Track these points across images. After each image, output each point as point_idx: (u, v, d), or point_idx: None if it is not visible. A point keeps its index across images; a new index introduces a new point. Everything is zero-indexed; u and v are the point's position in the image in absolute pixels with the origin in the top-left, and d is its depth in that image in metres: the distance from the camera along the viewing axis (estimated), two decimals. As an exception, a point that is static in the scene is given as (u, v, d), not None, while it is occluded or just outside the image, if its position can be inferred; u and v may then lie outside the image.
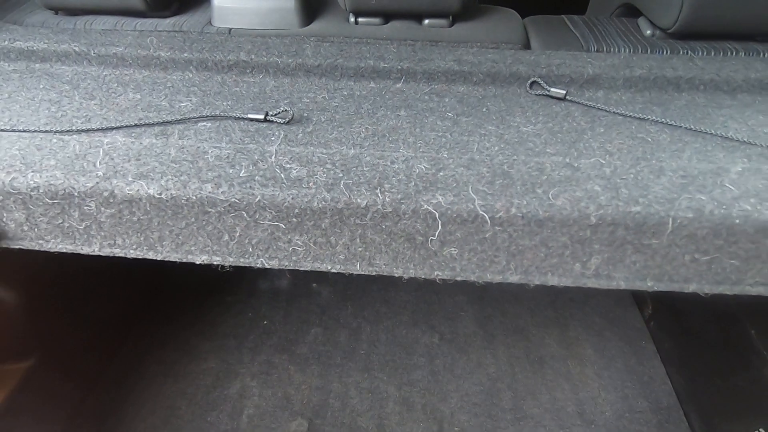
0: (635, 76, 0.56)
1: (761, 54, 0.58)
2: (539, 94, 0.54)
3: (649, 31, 0.68)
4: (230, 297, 1.31)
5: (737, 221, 0.36)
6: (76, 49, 0.60)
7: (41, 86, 0.55)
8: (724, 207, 0.35)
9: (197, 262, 0.45)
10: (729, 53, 0.58)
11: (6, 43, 0.60)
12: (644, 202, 0.36)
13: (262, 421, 1.06)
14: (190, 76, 0.58)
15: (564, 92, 0.53)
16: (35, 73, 0.58)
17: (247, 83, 0.57)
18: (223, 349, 1.19)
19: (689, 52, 0.58)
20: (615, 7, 0.75)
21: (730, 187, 0.37)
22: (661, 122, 0.48)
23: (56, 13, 0.69)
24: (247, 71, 0.58)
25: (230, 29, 0.65)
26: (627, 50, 0.59)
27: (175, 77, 0.57)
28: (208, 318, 1.25)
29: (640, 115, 0.49)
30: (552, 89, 0.53)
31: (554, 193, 0.38)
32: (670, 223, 0.36)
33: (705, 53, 0.59)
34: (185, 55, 0.59)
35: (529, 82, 0.55)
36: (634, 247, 0.37)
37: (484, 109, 0.53)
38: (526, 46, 0.66)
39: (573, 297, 1.32)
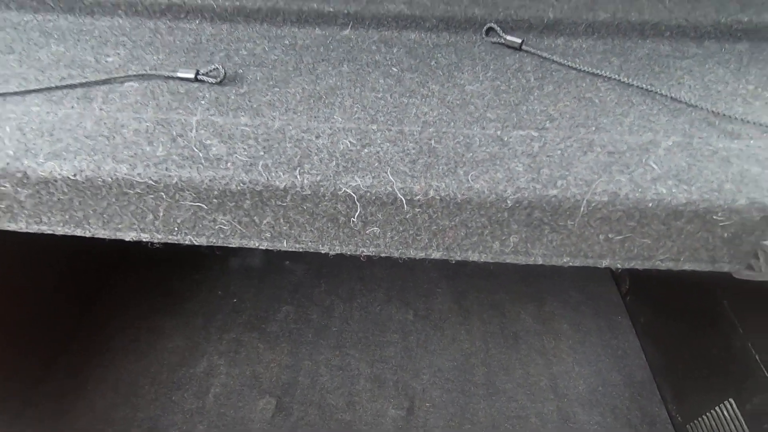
0: (598, 21, 0.52)
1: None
2: (495, 42, 0.51)
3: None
4: (199, 275, 1.27)
5: (650, 205, 0.34)
6: None
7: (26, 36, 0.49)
8: (640, 190, 0.34)
9: (126, 239, 0.42)
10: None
11: None
12: (562, 185, 0.34)
13: (229, 400, 1.03)
14: (120, 22, 0.53)
15: (520, 41, 0.49)
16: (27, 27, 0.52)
17: (181, 30, 0.52)
18: (190, 326, 1.15)
19: None
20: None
21: (653, 166, 0.35)
22: (615, 79, 0.45)
23: None
24: (182, 16, 0.53)
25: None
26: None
27: (102, 24, 0.52)
28: (174, 295, 1.21)
29: (596, 69, 0.46)
30: (508, 37, 0.49)
31: (474, 175, 0.35)
32: (583, 206, 0.34)
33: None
34: (110, -2, 0.54)
35: (485, 28, 0.51)
36: (550, 227, 0.36)
37: (432, 63, 0.49)
38: None
39: (549, 272, 1.30)
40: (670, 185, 0.35)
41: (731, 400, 0.82)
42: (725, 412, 0.84)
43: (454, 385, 1.06)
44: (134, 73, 0.45)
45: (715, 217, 0.35)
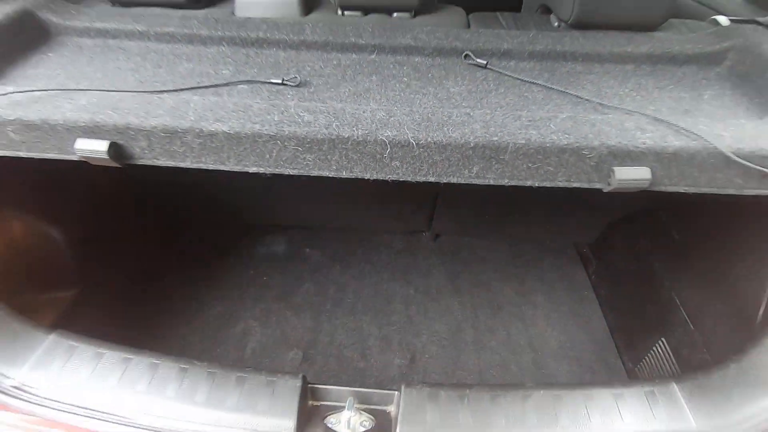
0: (536, 50, 0.78)
1: (626, 39, 0.82)
2: (469, 63, 0.77)
3: (556, 24, 0.91)
4: (233, 259, 1.50)
5: (548, 146, 0.59)
6: (140, 29, 0.81)
7: (119, 58, 0.75)
8: (542, 137, 0.58)
9: (250, 171, 0.65)
10: (607, 37, 0.82)
11: (86, 24, 0.81)
12: (501, 135, 0.59)
13: (264, 353, 1.25)
14: (224, 49, 0.79)
15: (485, 62, 0.75)
16: (111, 48, 0.78)
17: (265, 55, 0.78)
18: (227, 299, 1.38)
19: (575, 35, 0.82)
20: (537, 6, 0.99)
21: (552, 127, 0.60)
22: (543, 85, 0.71)
23: (113, 5, 0.91)
24: (264, 46, 0.80)
25: (248, 18, 0.87)
26: (536, 33, 0.83)
27: (213, 50, 0.78)
28: (215, 275, 1.44)
29: (533, 80, 0.72)
30: (477, 60, 0.76)
31: (452, 130, 0.60)
32: (510, 147, 0.59)
33: (585, 36, 0.82)
34: (219, 33, 0.80)
35: (463, 54, 0.78)
36: (495, 160, 0.60)
37: (429, 75, 0.75)
38: (468, 25, 0.91)
39: (530, 257, 1.54)
40: (560, 135, 0.59)
41: (663, 339, 1.06)
42: (659, 350, 1.07)
43: (448, 343, 1.29)
44: (243, 79, 0.71)
45: (584, 152, 0.60)
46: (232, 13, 0.89)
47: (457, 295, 1.43)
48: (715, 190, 0.62)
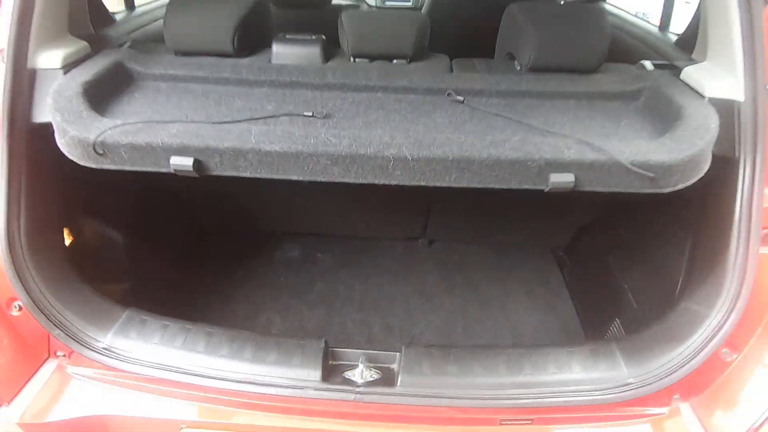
0: (501, 89, 1.04)
1: (571, 79, 1.08)
2: (451, 100, 1.02)
3: (518, 67, 1.17)
4: (255, 261, 1.73)
5: (502, 158, 0.83)
6: (201, 74, 1.06)
7: (189, 98, 1.00)
8: (499, 153, 0.82)
9: (293, 178, 0.89)
10: (556, 79, 1.08)
11: (161, 71, 1.07)
12: (470, 151, 0.84)
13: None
14: (266, 90, 1.04)
15: (463, 99, 1.01)
16: (181, 89, 1.04)
17: (298, 95, 1.04)
18: (251, 296, 1.60)
19: (532, 76, 1.08)
20: (505, 53, 1.26)
21: (507, 146, 0.84)
22: (505, 116, 0.96)
23: (176, 55, 1.17)
24: (296, 88, 1.05)
25: (282, 64, 1.13)
26: (502, 76, 1.09)
27: (258, 91, 1.04)
28: (240, 275, 1.67)
29: (498, 112, 0.97)
30: (457, 97, 1.01)
31: (436, 149, 0.85)
32: (477, 159, 0.83)
33: (539, 78, 1.09)
34: (262, 78, 1.05)
35: (446, 92, 1.03)
36: (467, 170, 0.83)
37: (421, 109, 1.00)
38: (451, 69, 1.18)
39: (513, 260, 1.78)
40: (513, 152, 0.83)
41: (617, 319, 1.28)
42: (614, 328, 1.29)
43: (441, 331, 1.51)
44: (284, 112, 0.96)
45: (528, 164, 0.84)
46: (270, 61, 1.15)
47: (449, 292, 1.65)
48: (621, 190, 0.87)
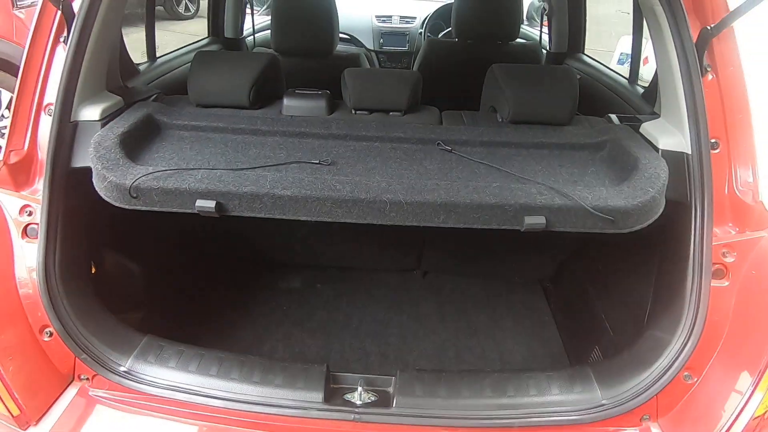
0: (484, 140, 1.18)
1: (545, 131, 1.23)
2: (440, 149, 1.17)
3: (500, 119, 1.33)
4: (259, 291, 1.83)
5: (484, 203, 0.96)
6: (220, 125, 1.20)
7: (210, 146, 1.14)
8: (480, 198, 0.96)
9: (302, 219, 1.02)
10: (532, 131, 1.23)
11: (184, 122, 1.21)
12: (456, 196, 0.97)
13: None
14: (278, 139, 1.18)
15: (451, 148, 1.15)
16: (202, 138, 1.17)
17: (306, 144, 1.18)
18: (256, 323, 1.69)
19: (512, 128, 1.23)
20: (488, 107, 1.42)
21: (488, 191, 0.97)
22: (487, 164, 1.10)
23: (197, 106, 1.31)
24: (304, 137, 1.19)
25: (292, 116, 1.28)
26: (485, 128, 1.24)
27: (271, 140, 1.18)
28: (245, 304, 1.76)
29: (480, 160, 1.11)
30: (446, 146, 1.16)
31: (426, 194, 0.97)
32: (461, 203, 0.96)
33: (518, 129, 1.24)
34: (274, 128, 1.19)
35: (436, 143, 1.18)
36: (454, 212, 0.96)
37: (414, 156, 1.14)
38: (440, 121, 1.33)
39: (501, 291, 1.89)
40: (492, 197, 0.97)
41: (596, 346, 1.39)
42: (594, 355, 1.39)
43: (434, 357, 1.60)
44: (294, 160, 1.10)
45: (506, 207, 0.97)
46: (280, 112, 1.30)
47: (441, 321, 1.75)
48: (586, 230, 1.00)
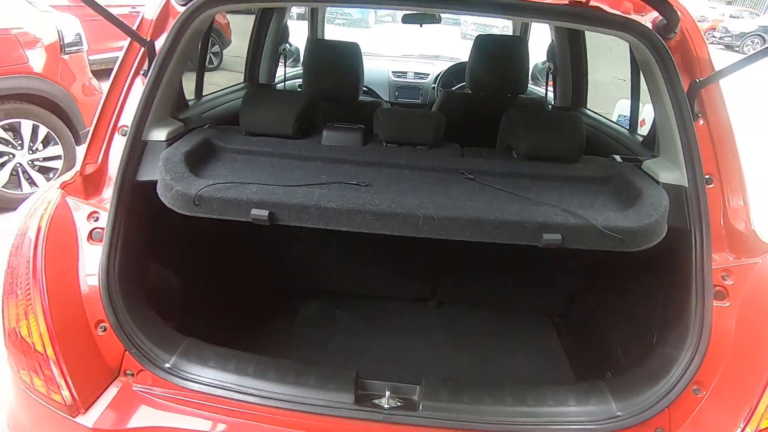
0: (503, 171, 1.33)
1: (557, 166, 1.38)
2: (464, 177, 1.31)
3: (515, 155, 1.49)
4: (279, 315, 1.90)
5: (506, 220, 1.09)
6: (268, 150, 1.36)
7: (259, 167, 1.28)
8: (503, 216, 1.08)
9: (342, 229, 1.13)
10: (545, 165, 1.38)
11: (237, 146, 1.36)
12: (480, 214, 1.09)
13: None
14: (319, 164, 1.33)
15: (473, 177, 1.30)
16: (253, 160, 1.32)
17: (344, 168, 1.32)
18: (277, 346, 1.75)
19: (526, 162, 1.38)
20: (505, 145, 1.59)
21: (509, 210, 1.10)
22: (506, 191, 1.24)
23: (246, 135, 1.48)
24: (343, 163, 1.34)
25: (330, 145, 1.44)
26: (503, 161, 1.39)
27: (312, 164, 1.32)
28: (267, 327, 1.83)
29: (501, 187, 1.25)
30: (468, 175, 1.30)
31: (456, 210, 1.10)
32: (486, 220, 1.09)
33: (532, 164, 1.39)
34: (316, 155, 1.34)
35: (460, 172, 1.32)
36: (479, 228, 1.08)
37: (440, 183, 1.27)
38: (462, 155, 1.49)
39: (514, 323, 1.95)
40: (513, 215, 1.09)
41: (609, 373, 1.45)
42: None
43: None
44: (335, 181, 1.23)
45: (525, 224, 1.09)
46: (320, 142, 1.47)
47: (456, 350, 1.81)
48: (598, 248, 1.11)
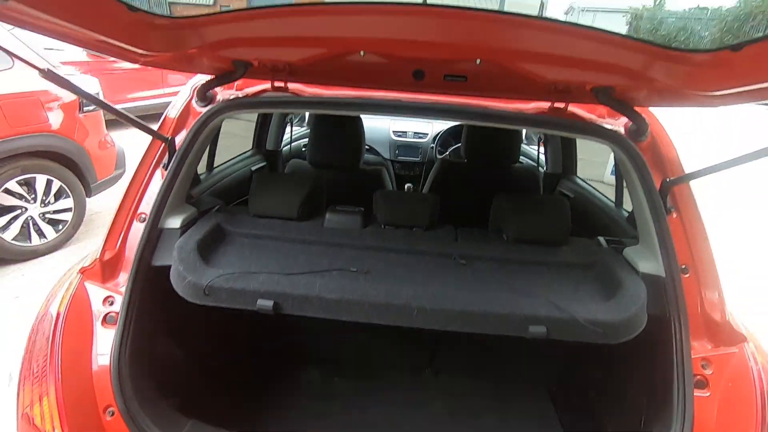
0: (494, 256, 1.42)
1: (544, 250, 1.46)
2: (457, 262, 1.40)
3: (505, 237, 1.58)
4: (280, 384, 1.94)
5: (493, 313, 1.16)
6: (273, 234, 1.46)
7: (264, 252, 1.38)
8: (492, 309, 1.16)
9: (344, 320, 1.21)
10: (533, 249, 1.47)
11: (245, 230, 1.46)
12: (471, 306, 1.16)
13: None
14: (322, 248, 1.42)
15: (464, 262, 1.38)
16: (259, 245, 1.42)
17: (345, 253, 1.41)
18: (277, 416, 1.78)
19: (516, 246, 1.48)
20: (496, 226, 1.69)
21: (497, 302, 1.18)
22: (492, 276, 1.32)
23: (253, 216, 1.58)
24: (343, 247, 1.43)
25: (332, 228, 1.54)
26: (494, 245, 1.49)
27: (315, 248, 1.42)
28: (265, 397, 1.86)
29: (491, 274, 1.34)
30: (461, 260, 1.39)
31: (448, 303, 1.18)
32: (475, 314, 1.17)
33: (521, 248, 1.48)
34: (318, 239, 1.44)
35: (453, 256, 1.41)
36: (469, 319, 1.16)
37: (435, 269, 1.37)
38: (456, 238, 1.59)
39: (509, 393, 1.98)
40: (500, 308, 1.17)
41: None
42: None
43: None
44: (336, 268, 1.32)
45: (512, 317, 1.16)
46: (323, 224, 1.57)
47: (452, 419, 1.83)
48: (581, 340, 1.18)
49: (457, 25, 1.14)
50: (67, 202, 3.80)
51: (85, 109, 3.95)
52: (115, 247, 1.34)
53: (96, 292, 1.29)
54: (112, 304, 1.28)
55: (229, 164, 2.38)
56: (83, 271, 1.31)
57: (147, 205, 1.36)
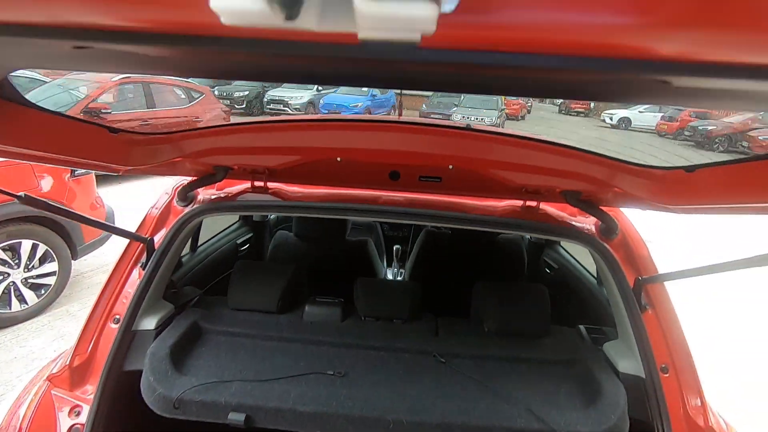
0: (473, 353, 1.40)
1: (525, 344, 1.45)
2: (437, 360, 1.38)
3: (486, 329, 1.57)
4: None
5: (471, 425, 1.13)
6: (251, 332, 1.44)
7: (240, 353, 1.36)
8: (469, 420, 1.14)
9: None
10: (514, 343, 1.45)
11: (222, 328, 1.45)
12: (449, 418, 1.12)
13: None
14: (299, 347, 1.40)
15: (444, 360, 1.37)
16: (235, 344, 1.40)
17: (322, 351, 1.39)
18: None
19: (497, 340, 1.46)
20: (476, 316, 1.68)
21: (476, 416, 1.16)
22: (471, 377, 1.30)
23: (232, 309, 1.57)
24: (321, 345, 1.41)
25: (311, 321, 1.53)
26: (474, 340, 1.47)
27: (293, 347, 1.40)
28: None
29: (468, 374, 1.32)
30: (439, 357, 1.37)
31: (424, 414, 1.15)
32: (453, 424, 1.12)
33: (501, 342, 1.47)
34: (296, 336, 1.42)
35: (432, 354, 1.40)
36: (447, 431, 1.14)
37: (414, 369, 1.34)
38: (436, 332, 1.57)
39: None
40: (478, 420, 1.14)
41: None
42: None
43: None
44: (313, 371, 1.30)
45: (490, 429, 1.13)
46: (302, 317, 1.55)
47: None
48: None
49: (428, 138, 1.20)
50: (52, 266, 3.76)
51: (77, 173, 3.99)
52: (86, 352, 1.31)
53: (62, 402, 1.25)
54: (78, 414, 1.23)
55: (215, 240, 2.39)
56: (51, 378, 1.27)
57: (122, 305, 1.35)
